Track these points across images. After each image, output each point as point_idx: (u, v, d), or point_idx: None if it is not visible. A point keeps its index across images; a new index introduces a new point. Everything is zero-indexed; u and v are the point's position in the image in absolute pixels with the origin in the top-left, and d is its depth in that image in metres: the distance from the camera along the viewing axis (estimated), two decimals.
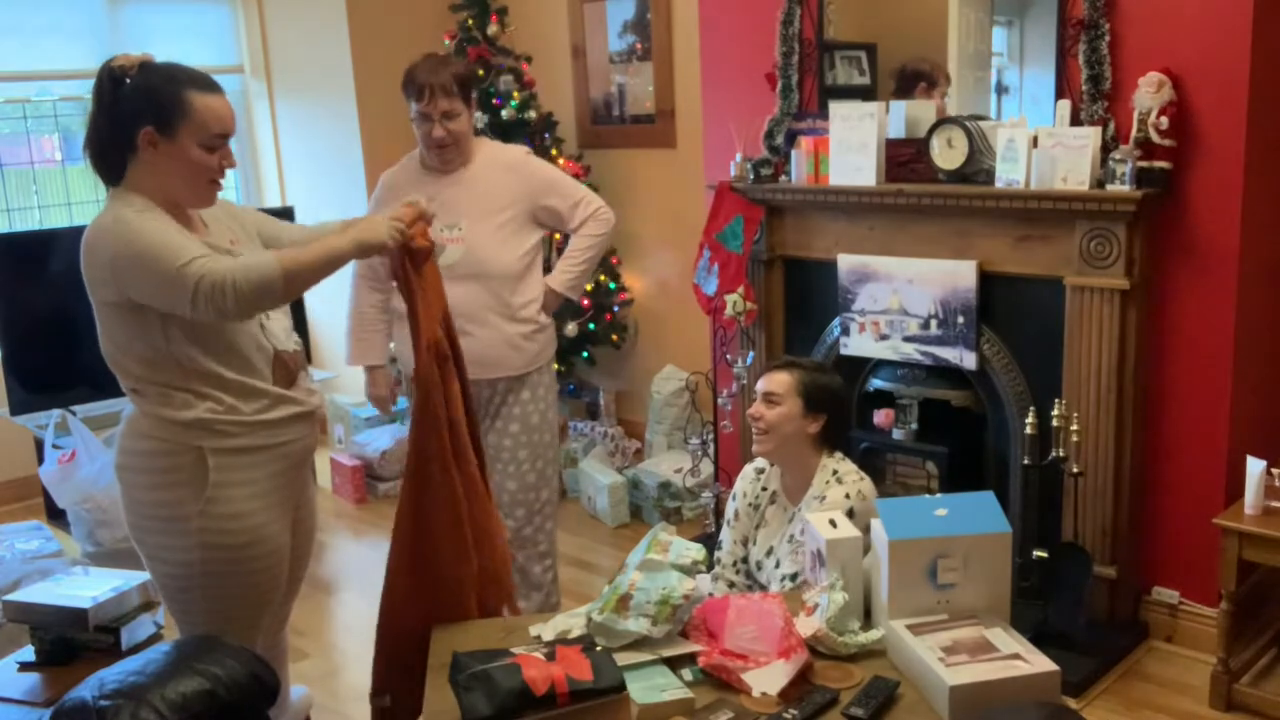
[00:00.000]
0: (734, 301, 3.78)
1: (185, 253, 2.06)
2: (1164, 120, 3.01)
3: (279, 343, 2.33)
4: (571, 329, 4.71)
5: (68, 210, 5.17)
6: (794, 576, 2.55)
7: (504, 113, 4.75)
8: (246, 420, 2.23)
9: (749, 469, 2.87)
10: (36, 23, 4.85)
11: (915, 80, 3.68)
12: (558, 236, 3.72)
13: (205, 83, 2.18)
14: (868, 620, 2.20)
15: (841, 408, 2.77)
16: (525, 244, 3.17)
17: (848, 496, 2.58)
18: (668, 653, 2.07)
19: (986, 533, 2.12)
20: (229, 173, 2.26)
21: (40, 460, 4.17)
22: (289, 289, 2.12)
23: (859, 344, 3.68)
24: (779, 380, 2.71)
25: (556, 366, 3.64)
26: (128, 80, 2.14)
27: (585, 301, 4.71)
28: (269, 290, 2.09)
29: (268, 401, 2.27)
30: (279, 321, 2.37)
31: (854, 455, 3.42)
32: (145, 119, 2.12)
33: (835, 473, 2.66)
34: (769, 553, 2.72)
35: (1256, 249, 3.13)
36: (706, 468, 4.22)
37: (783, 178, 3.82)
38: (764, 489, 2.80)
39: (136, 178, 2.17)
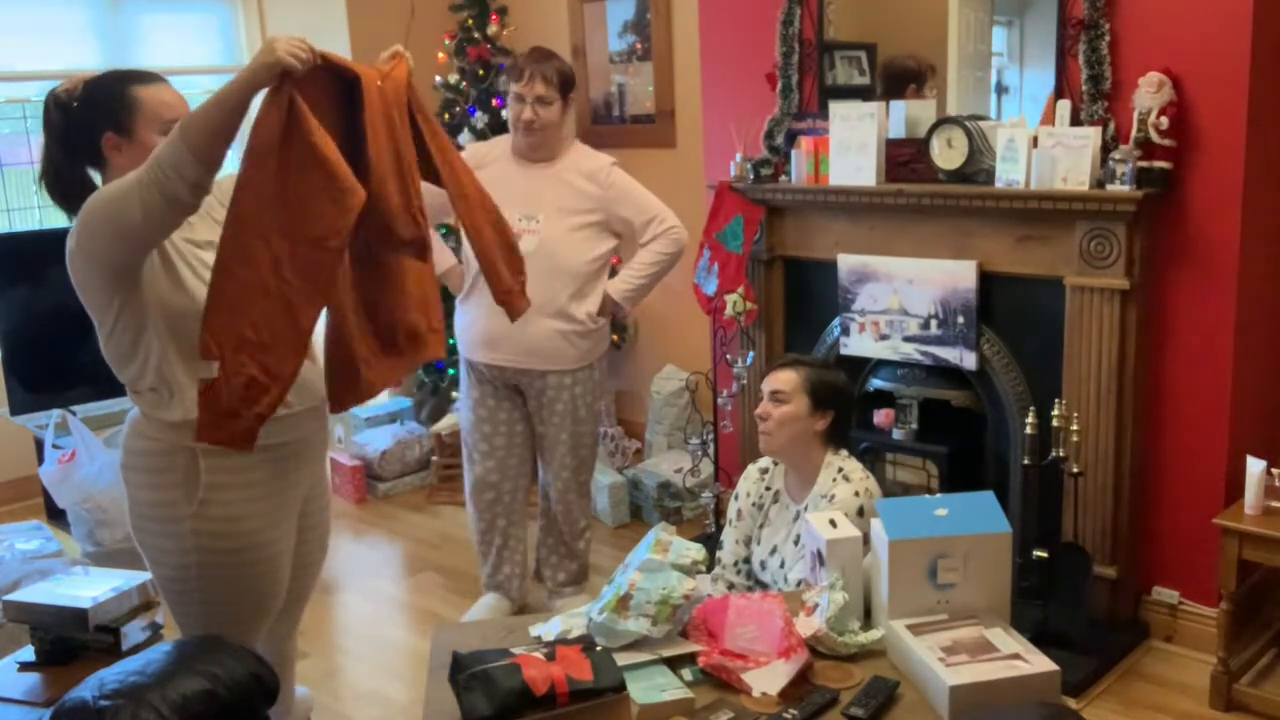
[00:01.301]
0: (734, 301, 3.78)
1: (124, 179, 2.03)
2: (1164, 120, 3.00)
3: None
4: None
5: None
6: None
7: (504, 112, 4.74)
8: None
9: (752, 469, 2.87)
10: (36, 23, 4.84)
11: (903, 78, 3.67)
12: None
13: (147, 77, 2.21)
14: (868, 620, 2.20)
15: (848, 404, 2.77)
16: (598, 249, 3.35)
17: (857, 495, 2.58)
18: (668, 653, 2.07)
19: (986, 533, 2.12)
20: None
21: (40, 460, 4.16)
22: (186, 136, 1.95)
23: (859, 344, 3.67)
24: (785, 378, 2.71)
25: None
26: (74, 104, 2.16)
27: None
28: (174, 148, 1.95)
29: None
30: None
31: (853, 455, 3.42)
32: (103, 126, 2.14)
33: (841, 470, 2.66)
34: (773, 551, 2.72)
35: (1256, 249, 3.13)
36: (706, 468, 4.22)
37: (783, 178, 3.81)
38: (768, 488, 2.80)
39: None
